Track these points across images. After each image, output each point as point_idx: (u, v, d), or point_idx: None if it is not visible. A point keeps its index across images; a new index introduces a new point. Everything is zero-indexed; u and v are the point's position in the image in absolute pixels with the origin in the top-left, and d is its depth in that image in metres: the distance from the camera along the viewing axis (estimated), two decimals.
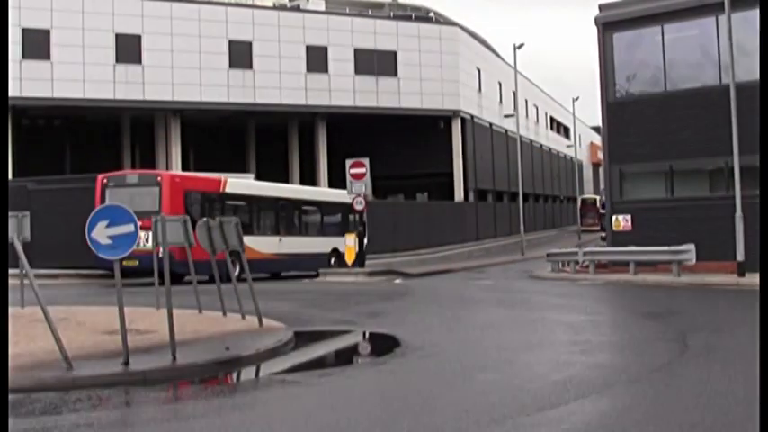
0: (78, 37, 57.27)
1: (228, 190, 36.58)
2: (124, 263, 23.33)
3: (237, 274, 19.31)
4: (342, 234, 40.89)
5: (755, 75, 33.11)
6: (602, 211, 64.95)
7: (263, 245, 36.52)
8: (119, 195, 31.50)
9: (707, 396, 10.77)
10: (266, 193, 39.19)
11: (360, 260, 39.87)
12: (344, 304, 24.69)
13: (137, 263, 26.23)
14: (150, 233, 24.09)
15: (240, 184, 37.20)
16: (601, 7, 39.03)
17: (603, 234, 60.99)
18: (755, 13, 33.07)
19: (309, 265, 39.28)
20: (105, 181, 34.15)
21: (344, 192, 41.11)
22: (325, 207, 42.58)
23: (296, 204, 41.14)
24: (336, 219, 43.13)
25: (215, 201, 35.98)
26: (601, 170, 71.74)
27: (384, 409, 10.49)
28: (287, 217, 40.51)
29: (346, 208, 41.28)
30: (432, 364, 14.14)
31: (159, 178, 34.02)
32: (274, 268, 38.13)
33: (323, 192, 41.40)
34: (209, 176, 36.90)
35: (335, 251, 41.33)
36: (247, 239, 33.58)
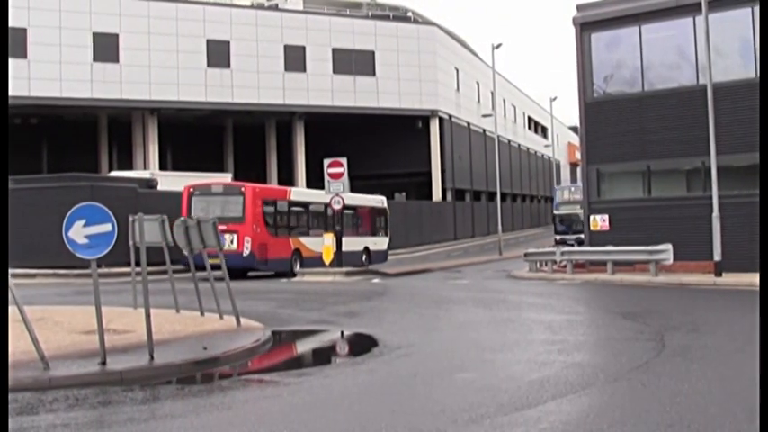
0: (55, 35, 57.16)
1: (292, 198, 40.75)
2: (210, 261, 26.34)
3: (211, 274, 19.06)
4: (371, 234, 47.54)
5: (732, 76, 33.41)
6: (555, 212, 65.43)
7: (315, 245, 39.97)
8: (203, 203, 36.97)
9: (684, 395, 10.80)
10: (318, 199, 41.51)
11: (383, 256, 47.93)
12: (322, 304, 24.70)
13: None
14: (235, 235, 32.69)
15: (299, 192, 40.82)
16: (579, 7, 39.08)
17: (558, 237, 60.08)
18: (732, 14, 33.36)
19: (347, 262, 40.88)
20: (192, 190, 37.90)
21: (375, 197, 50.56)
22: (359, 210, 46.54)
23: None
24: (368, 220, 47.71)
25: (282, 207, 40.01)
26: (578, 170, 71.84)
27: (362, 409, 10.49)
28: (332, 220, 42.26)
29: (376, 211, 48.76)
30: (409, 363, 14.15)
31: (243, 189, 37.95)
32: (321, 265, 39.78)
33: (358, 197, 46.81)
34: (278, 187, 41.70)
35: (366, 249, 45.82)
36: (305, 240, 38.62)
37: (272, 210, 39.19)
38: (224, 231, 32.84)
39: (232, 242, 35.41)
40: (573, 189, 66.57)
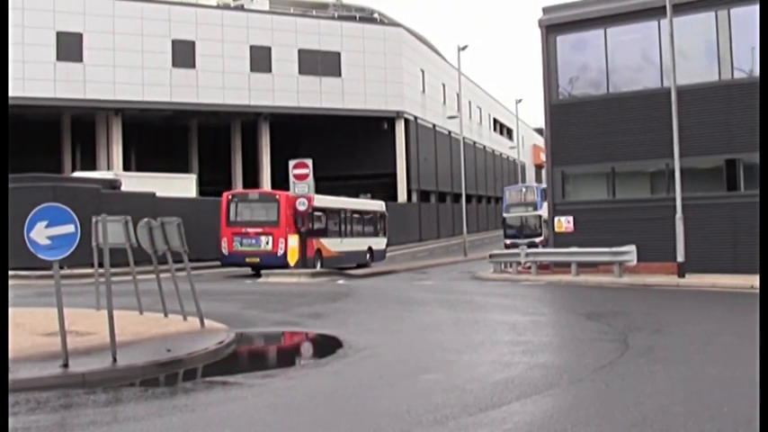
0: (18, 34, 56.63)
1: (315, 204, 42.14)
2: (247, 260, 37.20)
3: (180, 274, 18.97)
4: (374, 235, 51.00)
5: (696, 78, 33.66)
6: (504, 215, 62.97)
7: (332, 245, 44.15)
8: (241, 208, 41.24)
9: (647, 395, 10.84)
10: (333, 205, 46.20)
11: (382, 254, 51.79)
12: (287, 305, 24.63)
13: (258, 260, 39.21)
14: (270, 237, 38.31)
15: (320, 198, 43.92)
16: (545, 10, 39.21)
17: (508, 242, 57.86)
18: (696, 18, 33.57)
19: (355, 260, 46.82)
20: (230, 197, 42.07)
21: (376, 202, 54.87)
22: (364, 214, 50.35)
23: (349, 213, 47.90)
24: (371, 223, 51.07)
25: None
26: (543, 171, 71.86)
27: (327, 410, 10.46)
28: (344, 223, 46.90)
29: (378, 215, 52.10)
30: (374, 364, 14.13)
31: (277, 196, 41.73)
32: (336, 263, 43.71)
33: (363, 202, 54.19)
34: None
35: (370, 249, 49.50)
36: (324, 241, 43.46)
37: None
38: (260, 234, 39.96)
39: (267, 243, 39.83)
40: (524, 190, 64.78)
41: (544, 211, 56.48)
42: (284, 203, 40.52)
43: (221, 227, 40.56)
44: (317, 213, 43.15)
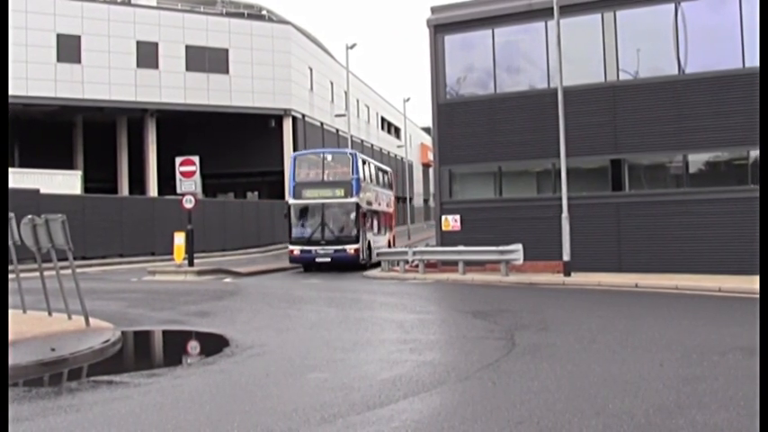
0: None
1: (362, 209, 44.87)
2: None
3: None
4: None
5: (582, 80, 34.15)
6: (292, 202, 42.09)
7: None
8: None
9: (534, 393, 10.93)
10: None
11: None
12: (173, 303, 24.39)
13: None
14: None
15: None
16: (433, 9, 39.40)
17: (297, 249, 41.24)
18: (583, 20, 34.07)
19: None
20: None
21: None
22: None
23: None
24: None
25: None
26: (431, 170, 72.14)
27: (213, 409, 10.34)
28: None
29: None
30: (261, 363, 14.03)
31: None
32: None
33: None
34: None
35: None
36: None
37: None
38: None
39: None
40: (328, 158, 45.92)
41: (365, 199, 44.04)
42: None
43: None
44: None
